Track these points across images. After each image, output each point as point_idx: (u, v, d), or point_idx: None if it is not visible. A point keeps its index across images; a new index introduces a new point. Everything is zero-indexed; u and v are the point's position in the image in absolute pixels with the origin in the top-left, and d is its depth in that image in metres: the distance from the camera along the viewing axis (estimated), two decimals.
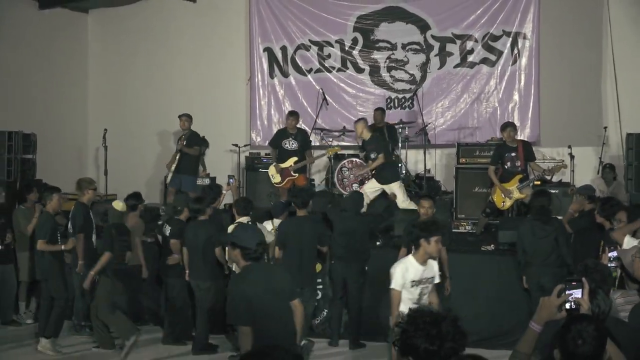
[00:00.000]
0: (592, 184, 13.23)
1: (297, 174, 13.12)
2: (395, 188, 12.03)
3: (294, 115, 13.54)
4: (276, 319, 5.86)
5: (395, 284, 7.37)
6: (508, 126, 11.88)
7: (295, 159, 13.15)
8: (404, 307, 7.15)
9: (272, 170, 13.35)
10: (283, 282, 6.13)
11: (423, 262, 7.42)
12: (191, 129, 13.82)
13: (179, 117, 13.82)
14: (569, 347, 3.75)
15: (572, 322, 3.83)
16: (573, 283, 4.02)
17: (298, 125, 13.67)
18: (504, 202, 11.74)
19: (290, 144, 13.29)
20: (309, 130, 14.72)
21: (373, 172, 12.36)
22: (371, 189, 12.19)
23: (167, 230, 10.50)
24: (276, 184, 13.30)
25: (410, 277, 7.36)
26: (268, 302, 5.83)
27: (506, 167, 11.75)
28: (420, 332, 3.44)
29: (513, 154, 11.72)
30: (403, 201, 11.98)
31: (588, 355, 3.74)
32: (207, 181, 14.01)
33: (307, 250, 9.92)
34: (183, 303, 10.50)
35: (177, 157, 13.59)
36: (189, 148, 13.58)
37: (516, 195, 11.64)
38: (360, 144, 13.56)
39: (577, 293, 3.98)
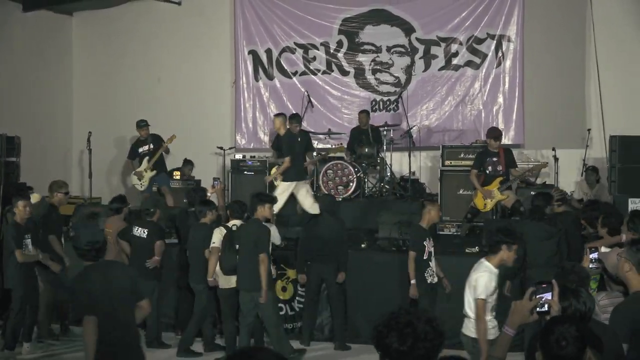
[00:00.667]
0: (577, 186, 13.37)
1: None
2: (302, 186, 11.92)
3: (296, 118, 13.48)
4: (114, 318, 5.92)
5: (482, 293, 7.03)
6: (494, 134, 11.94)
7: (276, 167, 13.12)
8: (490, 316, 7.07)
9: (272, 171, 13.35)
10: (124, 282, 6.10)
11: (496, 268, 7.24)
12: (152, 134, 13.95)
13: (140, 125, 13.89)
14: (553, 349, 3.73)
15: (553, 324, 3.82)
16: (543, 285, 4.04)
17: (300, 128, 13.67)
18: (485, 204, 11.78)
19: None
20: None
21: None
22: (281, 192, 11.79)
23: (142, 232, 10.38)
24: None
25: (494, 284, 7.16)
26: (105, 302, 5.88)
27: (487, 171, 11.79)
28: (394, 332, 3.38)
29: (495, 159, 11.76)
30: (311, 203, 11.73)
31: (571, 357, 3.73)
32: (191, 184, 14.08)
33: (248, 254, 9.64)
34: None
35: (150, 165, 13.67)
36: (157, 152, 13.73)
37: (497, 196, 11.67)
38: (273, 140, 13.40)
39: (547, 295, 3.99)
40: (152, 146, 13.74)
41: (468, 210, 12.07)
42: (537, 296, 4.00)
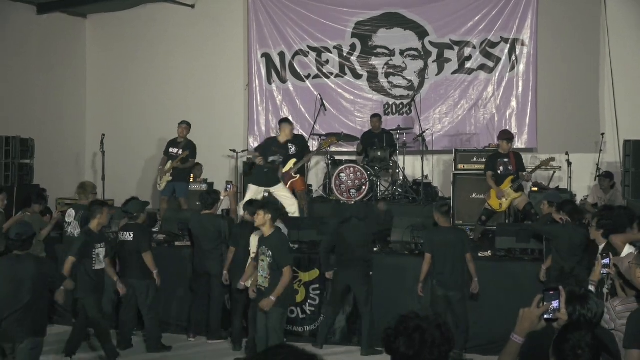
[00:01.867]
0: (590, 191, 13.31)
1: (297, 175, 13.11)
2: (280, 188, 12.22)
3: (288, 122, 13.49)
4: (13, 307, 6.76)
5: None
6: (506, 136, 11.99)
7: (294, 160, 13.13)
8: None
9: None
10: (30, 273, 6.83)
11: None
12: (187, 138, 13.79)
13: (179, 124, 13.80)
14: (568, 357, 3.70)
15: (568, 332, 3.78)
16: (551, 292, 4.01)
17: (295, 132, 13.64)
18: (500, 204, 11.77)
19: (290, 150, 13.28)
20: (306, 136, 14.74)
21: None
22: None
23: (128, 235, 10.37)
24: None
25: None
26: (7, 291, 6.80)
27: (499, 172, 11.81)
28: (402, 337, 3.36)
29: (506, 160, 11.81)
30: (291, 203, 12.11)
31: None
32: (204, 186, 14.06)
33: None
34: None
35: (171, 167, 13.60)
36: (185, 162, 13.61)
37: (512, 195, 11.68)
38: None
39: (555, 302, 3.97)
40: (181, 151, 13.65)
41: (482, 213, 12.05)
42: (545, 303, 3.96)
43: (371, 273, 10.41)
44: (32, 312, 6.83)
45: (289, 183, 13.04)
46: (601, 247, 7.49)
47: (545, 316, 3.92)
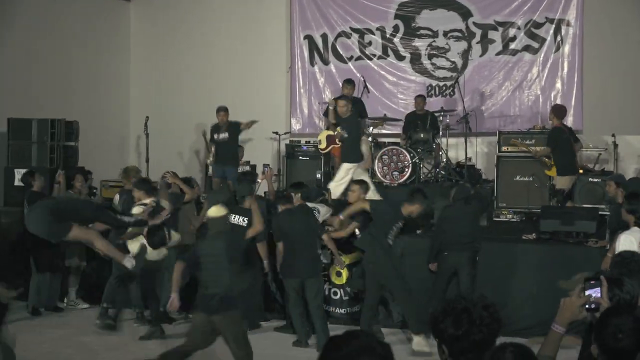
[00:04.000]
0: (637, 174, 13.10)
1: (340, 143, 13.00)
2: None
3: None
4: None
5: None
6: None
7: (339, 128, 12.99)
8: None
9: (321, 135, 13.49)
10: None
11: None
12: (229, 121, 13.81)
13: (217, 111, 13.77)
14: (609, 342, 3.59)
15: (608, 316, 3.68)
16: (592, 282, 3.94)
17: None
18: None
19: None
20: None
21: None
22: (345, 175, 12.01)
23: (242, 220, 10.33)
24: (321, 149, 13.48)
25: None
26: None
27: None
28: (449, 317, 3.38)
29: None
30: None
31: (629, 349, 3.58)
32: (247, 168, 14.09)
33: None
34: None
35: (214, 149, 13.68)
36: (233, 141, 13.68)
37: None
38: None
39: (596, 292, 3.90)
40: (227, 135, 13.68)
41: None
42: (587, 292, 3.89)
43: (477, 258, 10.22)
44: None
45: (330, 147, 13.10)
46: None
47: (587, 306, 3.86)
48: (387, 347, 3.00)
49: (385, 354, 2.97)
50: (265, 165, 11.90)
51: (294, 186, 10.81)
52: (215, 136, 13.79)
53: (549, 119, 12.76)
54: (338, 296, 11.02)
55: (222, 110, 13.77)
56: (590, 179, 12.11)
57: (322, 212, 10.63)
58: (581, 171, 12.76)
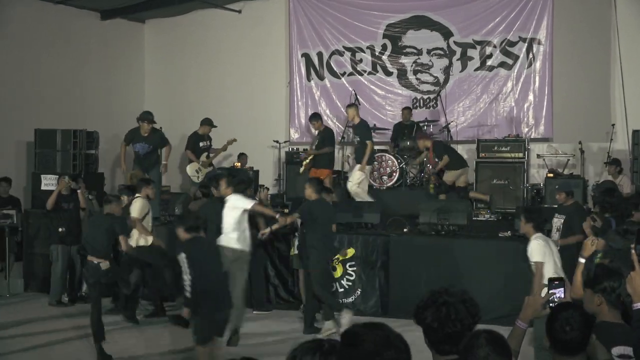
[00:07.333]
0: (602, 178, 13.33)
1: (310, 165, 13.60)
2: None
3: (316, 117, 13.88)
4: None
5: None
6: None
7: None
8: None
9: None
10: None
11: None
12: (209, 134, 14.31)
13: (204, 124, 14.22)
14: (559, 334, 3.71)
15: (558, 311, 3.79)
16: (556, 282, 4.05)
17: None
18: None
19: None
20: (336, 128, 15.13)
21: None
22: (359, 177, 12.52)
23: None
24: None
25: None
26: None
27: None
28: (430, 309, 3.39)
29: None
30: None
31: (576, 342, 3.70)
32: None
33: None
34: None
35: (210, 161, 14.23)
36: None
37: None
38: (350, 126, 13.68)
39: (560, 292, 4.01)
40: (209, 143, 14.06)
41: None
42: (550, 291, 4.00)
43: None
44: None
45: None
46: None
47: (551, 304, 3.95)
48: (404, 340, 2.98)
49: (405, 347, 2.95)
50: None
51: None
52: (201, 144, 14.14)
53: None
54: (334, 289, 11.20)
55: (207, 122, 14.20)
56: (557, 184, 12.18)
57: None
58: (551, 175, 13.06)
